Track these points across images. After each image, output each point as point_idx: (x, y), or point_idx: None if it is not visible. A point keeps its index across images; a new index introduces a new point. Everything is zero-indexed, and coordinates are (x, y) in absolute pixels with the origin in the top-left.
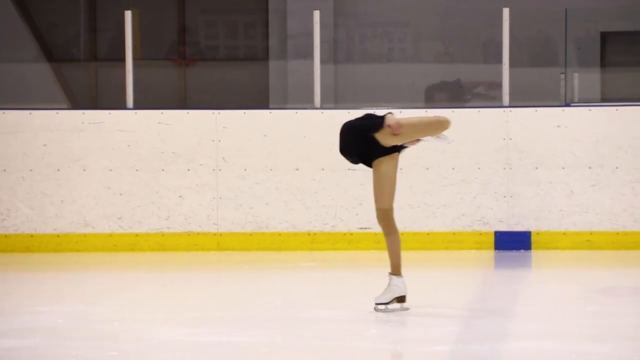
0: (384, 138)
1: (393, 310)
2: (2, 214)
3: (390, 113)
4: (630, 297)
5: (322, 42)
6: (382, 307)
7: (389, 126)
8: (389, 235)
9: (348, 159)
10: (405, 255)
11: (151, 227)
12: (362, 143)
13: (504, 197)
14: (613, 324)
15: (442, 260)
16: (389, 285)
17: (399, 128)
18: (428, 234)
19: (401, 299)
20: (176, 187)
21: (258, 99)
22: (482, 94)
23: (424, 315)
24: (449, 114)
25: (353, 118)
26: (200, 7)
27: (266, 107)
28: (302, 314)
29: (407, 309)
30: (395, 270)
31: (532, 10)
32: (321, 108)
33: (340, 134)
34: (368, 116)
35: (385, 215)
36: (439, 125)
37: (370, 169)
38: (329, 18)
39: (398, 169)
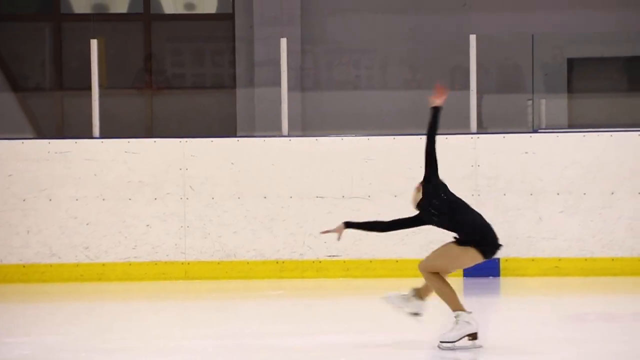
0: None
1: (461, 348)
2: None
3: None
4: (600, 324)
5: (289, 69)
6: (448, 345)
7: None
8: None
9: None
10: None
11: (118, 257)
12: None
13: None
14: (584, 351)
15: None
16: (457, 322)
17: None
18: (397, 261)
19: (473, 336)
20: (143, 216)
21: (225, 127)
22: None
23: (392, 344)
24: (417, 141)
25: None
26: (166, 35)
27: (234, 135)
28: (271, 342)
29: (480, 346)
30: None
31: (499, 37)
32: (289, 136)
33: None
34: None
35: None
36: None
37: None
38: (296, 45)
39: (367, 196)
